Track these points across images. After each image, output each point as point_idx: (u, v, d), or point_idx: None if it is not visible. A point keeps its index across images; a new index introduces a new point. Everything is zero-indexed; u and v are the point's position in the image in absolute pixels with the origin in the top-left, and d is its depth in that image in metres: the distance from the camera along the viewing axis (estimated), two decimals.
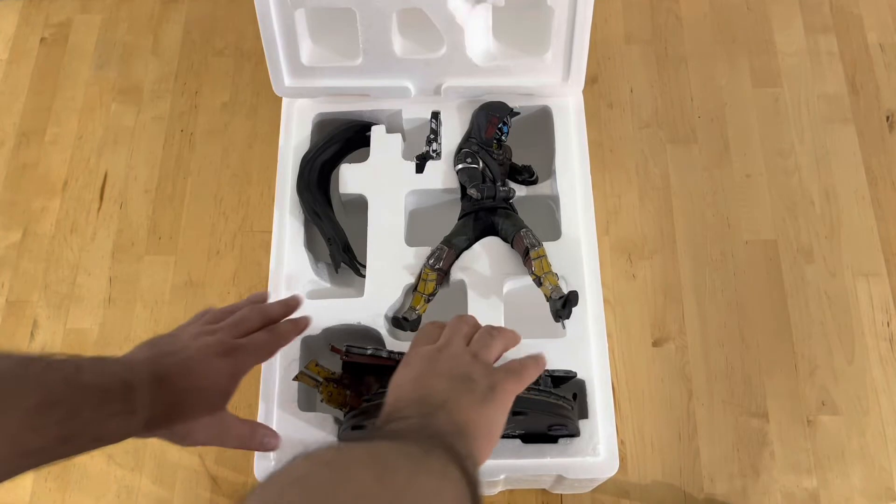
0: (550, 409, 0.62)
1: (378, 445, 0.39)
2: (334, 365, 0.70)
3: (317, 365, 0.67)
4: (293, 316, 0.66)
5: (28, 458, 0.43)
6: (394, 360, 0.64)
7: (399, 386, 0.51)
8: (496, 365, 0.55)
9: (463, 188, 0.90)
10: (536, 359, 0.57)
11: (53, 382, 0.44)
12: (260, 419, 0.81)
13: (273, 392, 0.81)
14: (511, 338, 0.59)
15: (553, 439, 0.72)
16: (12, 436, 0.41)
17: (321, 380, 0.66)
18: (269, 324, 0.64)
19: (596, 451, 0.76)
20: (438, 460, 0.39)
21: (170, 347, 0.55)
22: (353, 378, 0.66)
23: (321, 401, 0.66)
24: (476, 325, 0.58)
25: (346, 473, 0.33)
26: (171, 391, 0.52)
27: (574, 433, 0.72)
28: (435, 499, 0.36)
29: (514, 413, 0.60)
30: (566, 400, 0.65)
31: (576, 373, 0.69)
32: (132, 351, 0.56)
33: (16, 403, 0.41)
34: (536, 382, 0.62)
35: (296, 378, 0.66)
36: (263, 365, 0.79)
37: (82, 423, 0.45)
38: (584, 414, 0.76)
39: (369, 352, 0.64)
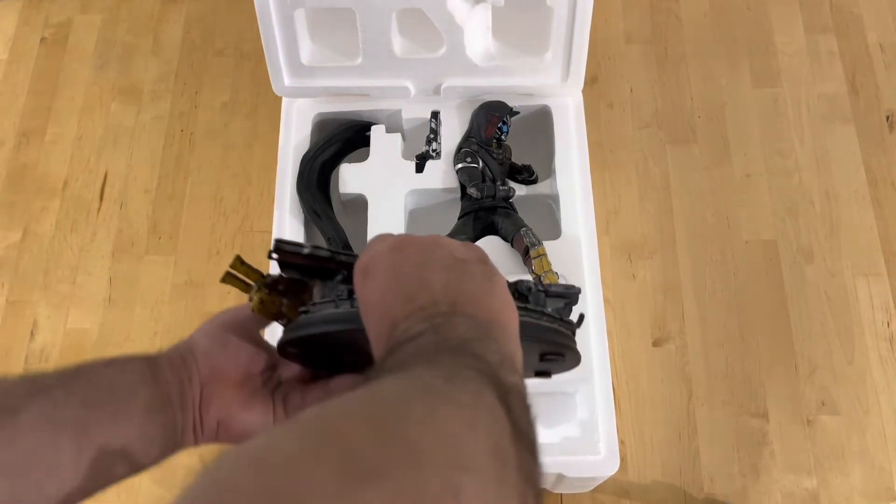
0: (541, 335, 0.47)
1: (382, 385, 0.29)
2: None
3: (243, 264, 0.52)
4: None
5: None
6: (337, 261, 0.49)
7: (380, 303, 0.39)
8: None
9: (463, 187, 0.90)
10: None
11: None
12: None
13: None
14: None
15: (546, 374, 0.57)
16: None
17: (251, 283, 0.52)
18: None
19: (596, 449, 0.76)
20: (466, 386, 0.30)
21: None
22: (290, 283, 0.51)
23: (252, 310, 0.51)
24: None
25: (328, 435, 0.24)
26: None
27: (573, 364, 0.55)
28: (462, 444, 0.26)
29: None
30: (564, 323, 0.50)
31: (579, 288, 0.54)
32: None
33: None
34: (525, 299, 0.48)
35: (223, 280, 0.52)
36: None
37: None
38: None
39: (306, 251, 0.49)
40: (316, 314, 0.46)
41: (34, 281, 1.29)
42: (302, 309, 0.48)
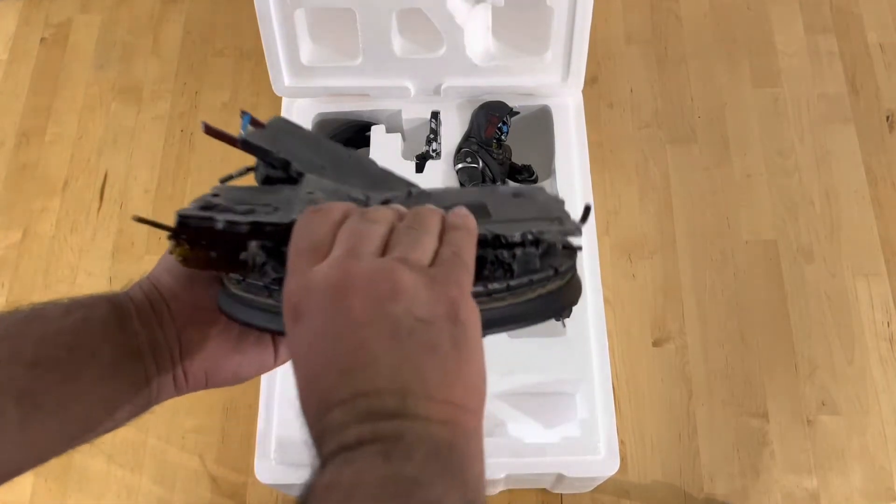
0: (527, 319, 0.36)
1: None
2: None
3: (144, 222, 0.39)
4: None
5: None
6: (266, 233, 0.36)
7: (309, 363, 0.30)
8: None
9: (463, 188, 0.90)
10: (462, 224, 0.34)
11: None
12: (260, 419, 0.81)
13: (274, 392, 0.81)
14: (457, 226, 0.34)
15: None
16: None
17: (169, 230, 0.38)
18: None
19: (596, 449, 0.76)
20: None
21: None
22: (211, 241, 0.37)
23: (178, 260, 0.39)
24: (389, 221, 0.33)
25: None
26: None
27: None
28: None
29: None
30: (558, 274, 0.37)
31: (576, 224, 0.39)
32: None
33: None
34: (510, 270, 0.36)
35: (134, 218, 0.39)
36: None
37: None
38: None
39: (220, 225, 0.36)
40: (245, 299, 0.37)
41: (34, 281, 1.29)
42: (233, 276, 0.38)
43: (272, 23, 0.86)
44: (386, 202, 0.39)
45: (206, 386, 0.41)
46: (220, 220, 0.36)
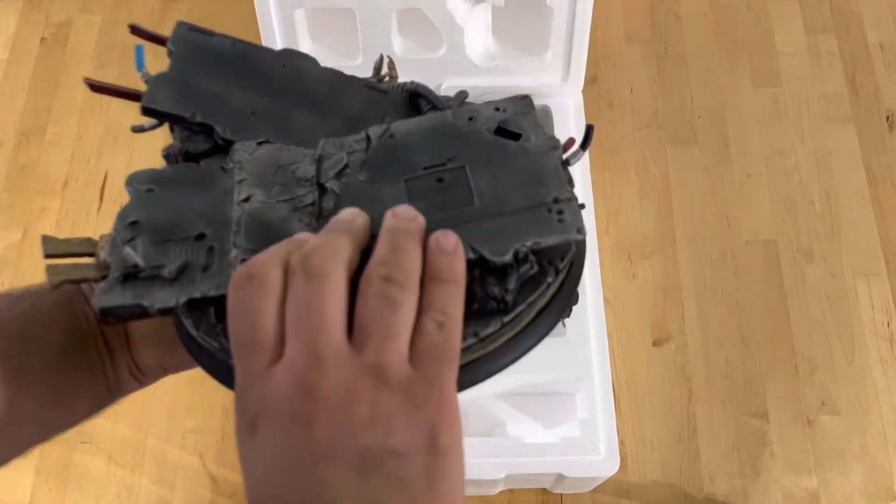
0: (531, 343, 0.31)
1: None
2: None
3: (51, 255, 0.35)
4: None
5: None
6: (206, 302, 0.32)
7: (263, 484, 0.26)
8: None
9: None
10: (448, 272, 0.28)
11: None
12: None
13: None
14: (441, 277, 0.27)
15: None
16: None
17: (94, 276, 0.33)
18: None
19: (596, 449, 0.76)
20: None
21: None
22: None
23: None
24: (347, 260, 0.27)
25: None
26: None
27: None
28: None
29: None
30: (558, 273, 0.31)
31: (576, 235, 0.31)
32: None
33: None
34: (503, 307, 0.30)
35: (53, 286, 0.33)
36: None
37: None
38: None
39: (154, 312, 0.32)
40: (204, 347, 0.33)
41: (34, 281, 1.28)
42: (188, 316, 0.34)
43: (272, 23, 0.86)
44: (341, 172, 0.35)
45: (165, 368, 0.38)
46: (152, 308, 0.31)
